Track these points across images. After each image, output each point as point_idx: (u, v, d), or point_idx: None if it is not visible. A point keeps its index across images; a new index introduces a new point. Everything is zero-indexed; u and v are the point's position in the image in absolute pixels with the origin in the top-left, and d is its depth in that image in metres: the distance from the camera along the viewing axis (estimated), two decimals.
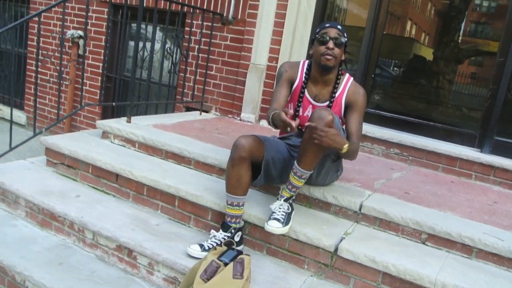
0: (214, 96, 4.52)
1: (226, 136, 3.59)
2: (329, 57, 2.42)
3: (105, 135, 3.46)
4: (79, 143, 3.28)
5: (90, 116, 5.49)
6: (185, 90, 4.53)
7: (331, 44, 2.42)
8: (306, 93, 2.60)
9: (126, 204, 2.92)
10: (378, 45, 3.87)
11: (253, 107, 4.23)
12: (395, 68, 5.15)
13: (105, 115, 5.42)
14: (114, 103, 3.40)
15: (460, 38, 4.78)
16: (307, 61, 2.66)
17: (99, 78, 5.28)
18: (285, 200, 2.39)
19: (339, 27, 2.47)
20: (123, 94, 5.17)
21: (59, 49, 3.48)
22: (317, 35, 2.48)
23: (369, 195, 2.64)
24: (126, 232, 2.56)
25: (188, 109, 4.67)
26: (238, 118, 4.33)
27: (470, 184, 3.27)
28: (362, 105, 2.54)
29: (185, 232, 2.66)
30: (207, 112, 4.53)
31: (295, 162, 2.32)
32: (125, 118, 3.56)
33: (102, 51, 5.23)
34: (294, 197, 2.43)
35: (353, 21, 4.83)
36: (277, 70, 2.63)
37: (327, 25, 2.48)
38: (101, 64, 5.13)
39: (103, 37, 5.21)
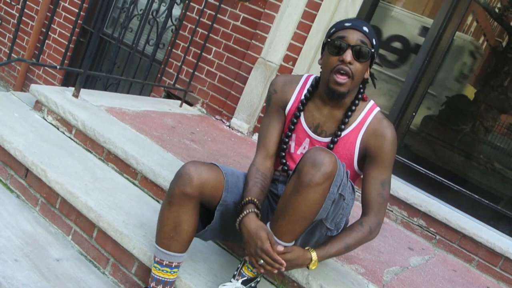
0: (205, 87, 3.80)
1: (199, 147, 2.87)
2: (342, 78, 1.67)
3: (38, 106, 2.76)
4: None
5: (51, 73, 4.77)
6: (169, 69, 3.81)
7: (348, 56, 1.66)
8: (302, 119, 1.85)
9: (29, 214, 2.22)
10: (431, 74, 3.13)
11: (250, 114, 3.51)
12: (435, 106, 4.45)
13: (69, 77, 4.71)
14: (58, 67, 2.67)
15: None
16: (313, 77, 1.91)
17: (73, 29, 4.56)
18: (244, 283, 1.68)
19: (365, 28, 1.71)
20: (99, 56, 4.44)
21: None
22: (329, 39, 1.73)
23: None
24: (5, 262, 1.87)
25: (169, 95, 3.95)
26: (227, 123, 3.61)
27: None
28: (389, 155, 1.75)
29: (94, 282, 1.96)
30: (191, 105, 3.80)
31: (268, 224, 1.60)
32: (73, 90, 2.86)
33: None
34: (259, 280, 1.73)
35: None
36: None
37: (346, 24, 1.72)
38: (77, 11, 4.42)
39: None
